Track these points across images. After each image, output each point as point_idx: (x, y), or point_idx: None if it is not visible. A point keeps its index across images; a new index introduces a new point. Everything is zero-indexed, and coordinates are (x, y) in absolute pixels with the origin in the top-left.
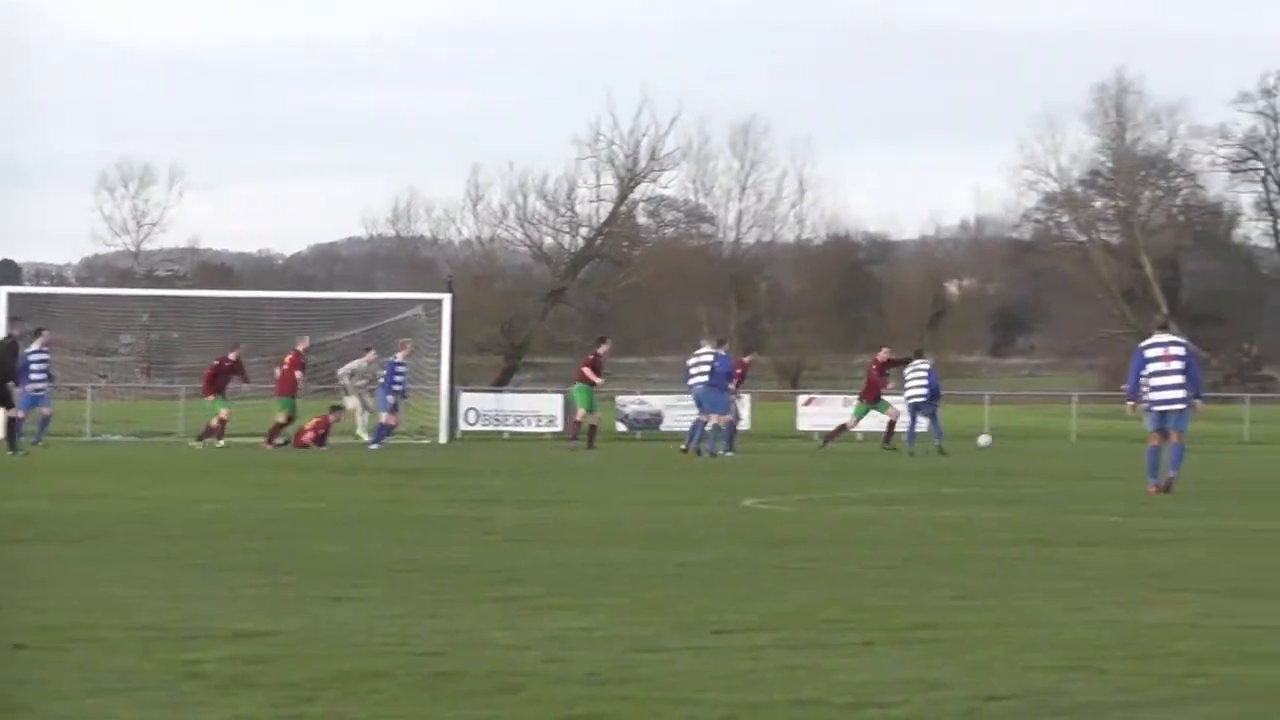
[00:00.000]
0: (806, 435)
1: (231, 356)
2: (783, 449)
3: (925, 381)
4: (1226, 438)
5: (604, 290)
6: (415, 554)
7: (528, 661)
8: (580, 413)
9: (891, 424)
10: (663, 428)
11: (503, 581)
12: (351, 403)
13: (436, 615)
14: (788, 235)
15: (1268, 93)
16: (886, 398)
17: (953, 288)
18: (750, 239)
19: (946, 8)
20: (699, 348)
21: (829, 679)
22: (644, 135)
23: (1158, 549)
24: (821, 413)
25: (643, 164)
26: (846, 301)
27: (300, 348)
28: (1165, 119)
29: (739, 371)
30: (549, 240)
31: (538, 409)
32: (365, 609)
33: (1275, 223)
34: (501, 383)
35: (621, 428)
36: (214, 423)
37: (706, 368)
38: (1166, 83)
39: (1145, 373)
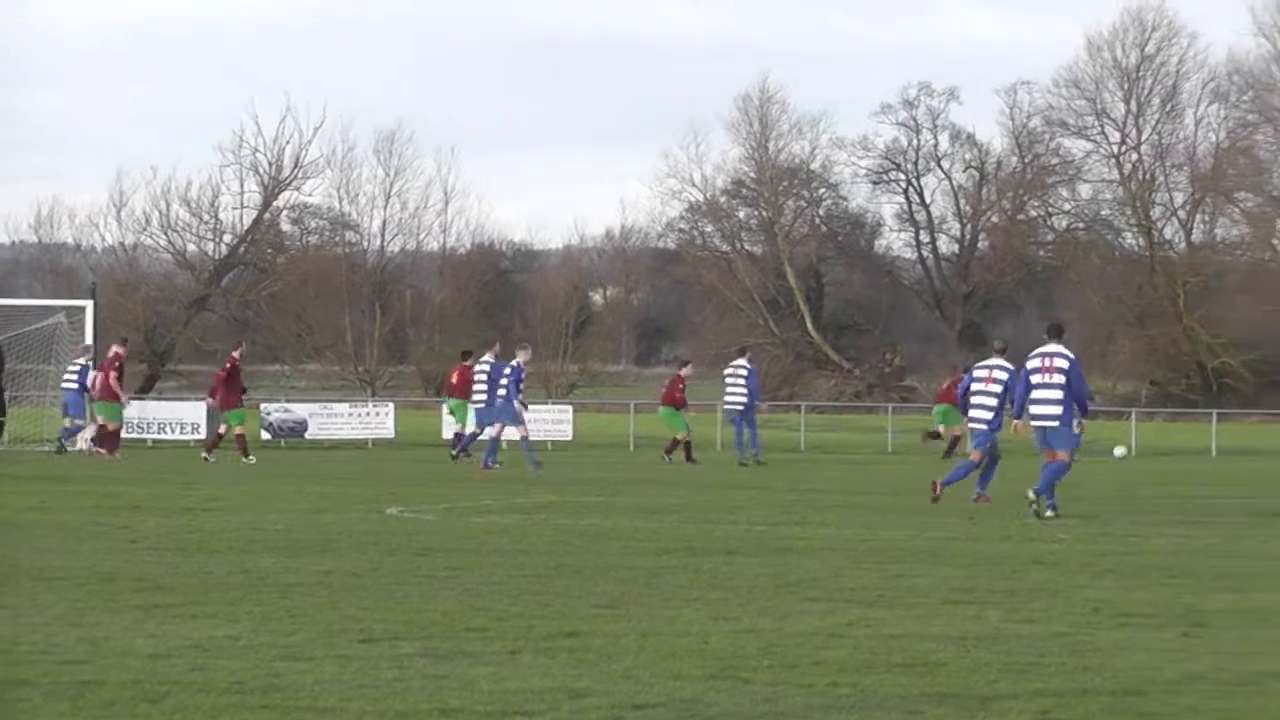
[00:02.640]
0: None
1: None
2: (428, 457)
3: (745, 386)
4: (870, 448)
5: (248, 298)
6: (58, 562)
7: (172, 670)
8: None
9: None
10: (307, 435)
11: (147, 590)
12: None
13: (79, 624)
14: (433, 244)
15: (909, 104)
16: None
17: (597, 297)
18: (395, 247)
19: (591, 17)
20: (481, 359)
21: (474, 688)
22: (288, 142)
23: (801, 558)
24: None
25: (286, 171)
26: (491, 310)
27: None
28: (808, 129)
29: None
30: (192, 247)
31: (182, 416)
32: (6, 617)
33: (916, 233)
34: (145, 390)
35: (266, 435)
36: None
37: (484, 379)
38: (809, 94)
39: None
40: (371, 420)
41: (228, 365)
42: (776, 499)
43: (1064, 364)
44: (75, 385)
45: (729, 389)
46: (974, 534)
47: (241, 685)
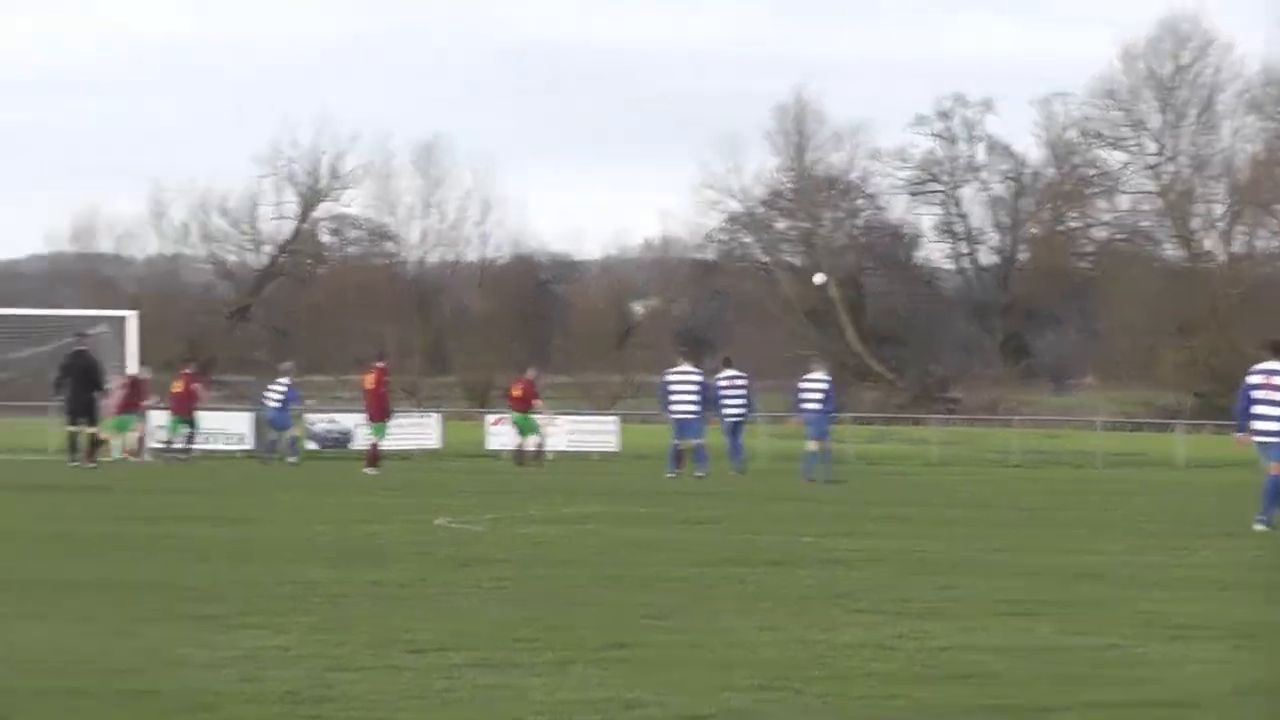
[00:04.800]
0: (496, 454)
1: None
2: (473, 468)
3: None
4: (915, 459)
5: (288, 308)
6: (109, 572)
7: (223, 680)
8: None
9: None
10: (352, 446)
11: (197, 600)
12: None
13: (132, 633)
14: (472, 255)
15: (944, 115)
16: None
17: (638, 308)
18: (434, 258)
19: (629, 29)
20: (810, 373)
21: (526, 698)
22: (325, 153)
23: (850, 570)
24: (511, 432)
25: (324, 182)
26: (531, 321)
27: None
28: (846, 140)
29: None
30: (232, 258)
31: (226, 427)
32: (61, 627)
33: (955, 245)
34: None
35: (312, 445)
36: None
37: (820, 394)
38: (847, 104)
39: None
40: (416, 431)
41: (379, 376)
42: (823, 510)
43: None
44: (279, 402)
45: (725, 399)
46: (1020, 546)
47: (293, 695)
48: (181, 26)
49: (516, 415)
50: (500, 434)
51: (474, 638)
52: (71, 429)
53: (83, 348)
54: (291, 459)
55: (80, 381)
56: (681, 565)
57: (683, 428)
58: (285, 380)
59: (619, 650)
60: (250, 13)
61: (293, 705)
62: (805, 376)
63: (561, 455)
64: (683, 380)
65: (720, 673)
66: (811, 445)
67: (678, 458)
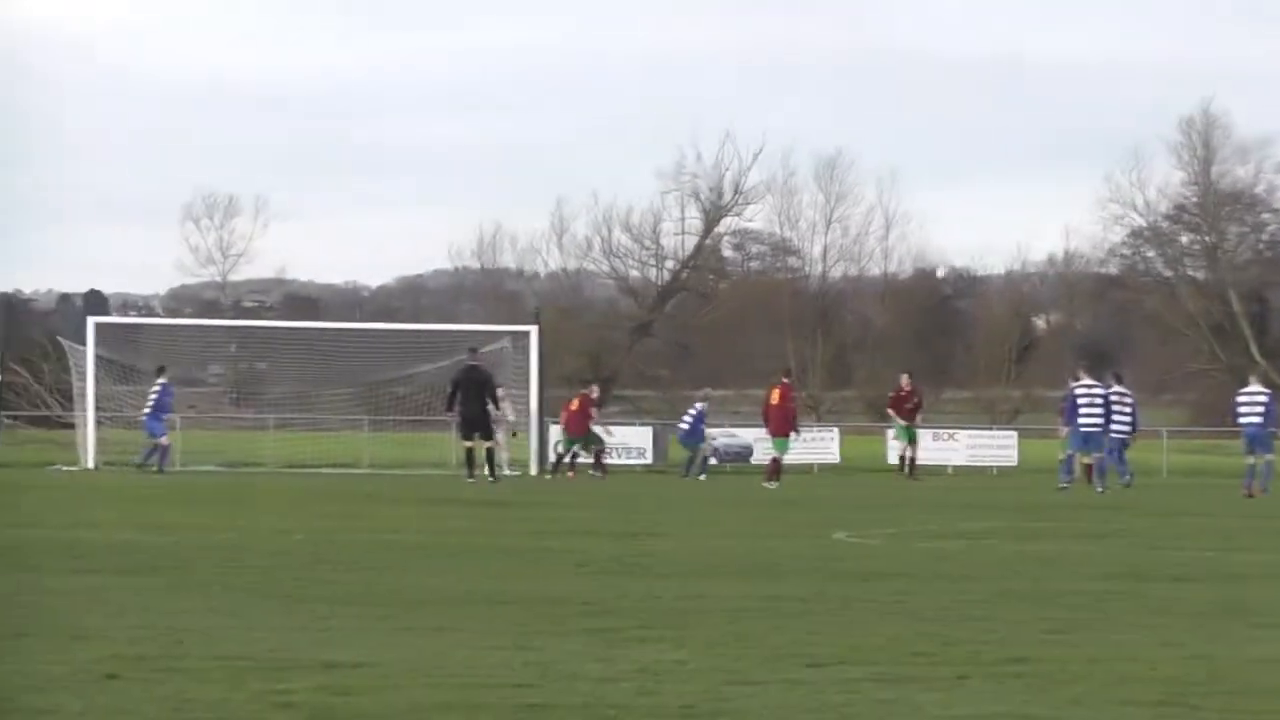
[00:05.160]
0: (895, 469)
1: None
2: (873, 482)
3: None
4: None
5: (690, 324)
6: (506, 586)
7: (621, 694)
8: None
9: None
10: (753, 460)
11: (594, 613)
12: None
13: (528, 647)
14: (874, 269)
15: None
16: None
17: (1040, 322)
18: (837, 273)
19: (1030, 42)
20: (1247, 385)
21: (923, 713)
22: (728, 169)
23: (1252, 584)
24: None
25: (727, 197)
26: (933, 336)
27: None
28: (1252, 153)
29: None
30: (634, 273)
31: (627, 441)
32: (456, 640)
33: None
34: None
35: (713, 460)
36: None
37: (1261, 408)
38: (1253, 117)
39: None
40: (817, 446)
41: (784, 392)
42: (1224, 525)
43: None
44: (689, 424)
45: (1115, 416)
46: None
47: (690, 709)
48: (584, 42)
49: (898, 425)
50: (898, 447)
51: (871, 652)
52: (467, 444)
53: (475, 363)
54: (701, 475)
55: (473, 396)
56: (1079, 579)
57: (1087, 440)
58: (699, 406)
59: (1016, 665)
60: (654, 27)
61: (690, 719)
62: (1243, 390)
63: (960, 470)
64: (1089, 393)
65: (1118, 688)
66: (1250, 459)
67: (1072, 469)
